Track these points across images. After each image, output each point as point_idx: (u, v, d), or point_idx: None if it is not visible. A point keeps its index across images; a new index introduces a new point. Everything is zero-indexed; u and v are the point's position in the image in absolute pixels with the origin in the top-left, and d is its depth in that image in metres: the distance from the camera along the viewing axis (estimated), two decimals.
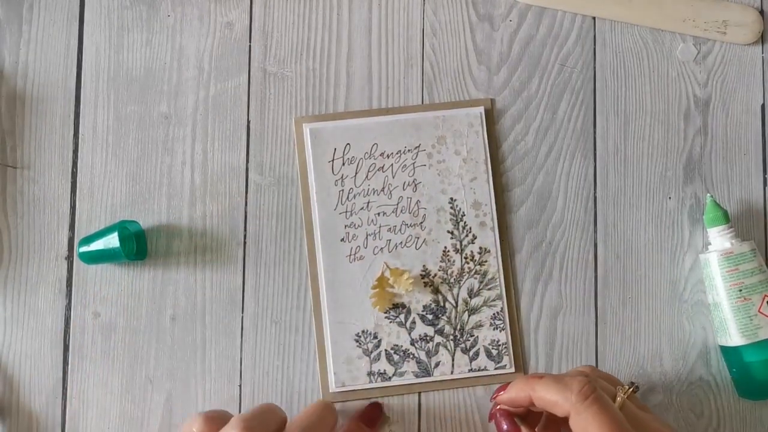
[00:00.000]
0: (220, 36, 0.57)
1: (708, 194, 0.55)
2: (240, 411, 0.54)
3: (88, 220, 0.55)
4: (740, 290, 0.52)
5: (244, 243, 0.55)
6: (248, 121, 0.56)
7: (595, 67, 0.57)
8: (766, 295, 0.52)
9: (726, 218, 0.54)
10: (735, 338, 0.52)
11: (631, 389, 0.47)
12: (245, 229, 0.55)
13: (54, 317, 0.55)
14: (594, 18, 0.58)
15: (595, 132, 0.57)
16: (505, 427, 0.50)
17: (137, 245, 0.54)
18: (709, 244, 0.54)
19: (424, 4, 0.57)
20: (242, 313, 0.55)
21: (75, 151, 0.56)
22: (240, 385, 0.54)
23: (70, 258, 0.55)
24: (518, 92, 0.57)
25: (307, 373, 0.54)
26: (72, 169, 0.56)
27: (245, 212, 0.56)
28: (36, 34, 0.56)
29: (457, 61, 0.57)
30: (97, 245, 0.53)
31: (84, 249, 0.53)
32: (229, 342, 0.54)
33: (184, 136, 0.56)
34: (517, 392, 0.48)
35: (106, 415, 0.54)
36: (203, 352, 0.54)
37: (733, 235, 0.53)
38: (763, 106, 0.57)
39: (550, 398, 0.46)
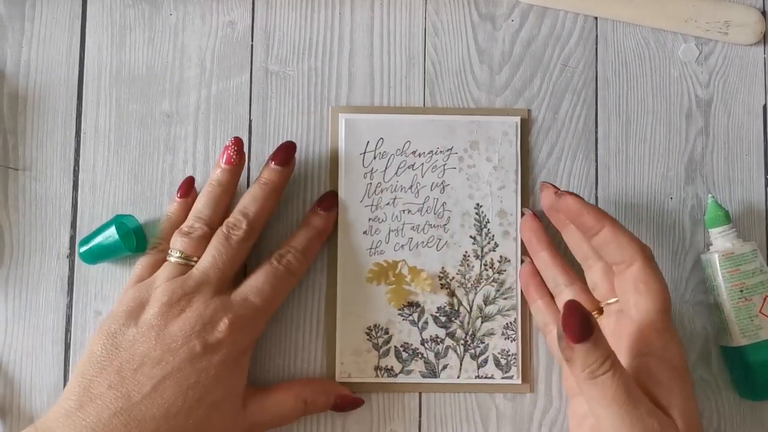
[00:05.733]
0: (222, 35, 0.57)
1: (709, 194, 0.55)
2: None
3: (89, 218, 0.55)
4: (741, 291, 0.52)
5: None
6: (250, 120, 0.56)
7: (596, 68, 0.57)
8: (767, 296, 0.53)
9: (727, 219, 0.54)
10: (736, 339, 0.52)
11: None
12: None
13: (55, 315, 0.55)
14: (596, 18, 0.58)
15: (596, 132, 0.57)
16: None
17: (136, 238, 0.54)
18: (711, 244, 0.54)
19: (425, 3, 0.57)
20: None
21: (77, 150, 0.56)
22: None
23: (71, 256, 0.55)
24: (520, 92, 0.57)
25: (314, 363, 0.54)
26: (74, 168, 0.56)
27: None
28: (38, 33, 0.56)
29: (458, 61, 0.57)
30: (97, 241, 0.53)
31: (84, 248, 0.53)
32: None
33: (186, 135, 0.56)
34: (591, 216, 0.49)
35: None
36: None
37: (735, 235, 0.53)
38: (764, 106, 0.57)
39: (619, 248, 0.48)
